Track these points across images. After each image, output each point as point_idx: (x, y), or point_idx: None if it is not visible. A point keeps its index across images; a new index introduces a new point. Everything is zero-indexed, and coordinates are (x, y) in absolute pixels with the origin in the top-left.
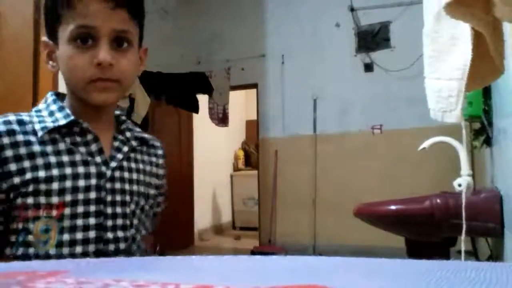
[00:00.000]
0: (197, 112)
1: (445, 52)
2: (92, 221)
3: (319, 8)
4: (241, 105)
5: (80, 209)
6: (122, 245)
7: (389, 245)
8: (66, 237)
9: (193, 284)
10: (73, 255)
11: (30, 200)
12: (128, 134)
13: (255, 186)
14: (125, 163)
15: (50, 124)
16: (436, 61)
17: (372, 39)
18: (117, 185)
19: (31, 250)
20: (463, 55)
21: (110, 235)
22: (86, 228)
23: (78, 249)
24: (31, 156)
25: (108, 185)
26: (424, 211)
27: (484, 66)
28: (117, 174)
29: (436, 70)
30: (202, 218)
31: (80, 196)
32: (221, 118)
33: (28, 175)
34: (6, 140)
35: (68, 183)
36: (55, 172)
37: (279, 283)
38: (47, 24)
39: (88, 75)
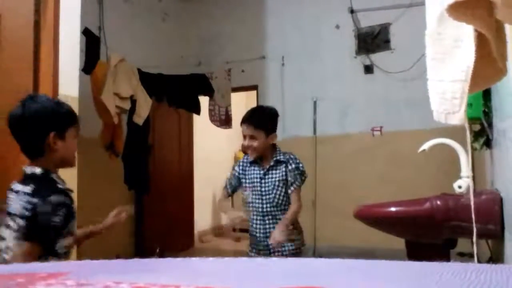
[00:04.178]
0: (198, 113)
1: (448, 54)
2: None
3: (319, 10)
4: (241, 106)
5: None
6: None
7: (389, 247)
8: None
9: (193, 286)
10: None
11: None
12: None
13: None
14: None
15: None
16: (439, 63)
17: (372, 41)
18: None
19: None
20: (466, 57)
21: None
22: None
23: None
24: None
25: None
26: (424, 213)
27: (487, 68)
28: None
29: (439, 72)
30: (202, 220)
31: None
32: (224, 119)
33: None
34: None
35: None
36: None
37: (279, 285)
38: None
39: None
